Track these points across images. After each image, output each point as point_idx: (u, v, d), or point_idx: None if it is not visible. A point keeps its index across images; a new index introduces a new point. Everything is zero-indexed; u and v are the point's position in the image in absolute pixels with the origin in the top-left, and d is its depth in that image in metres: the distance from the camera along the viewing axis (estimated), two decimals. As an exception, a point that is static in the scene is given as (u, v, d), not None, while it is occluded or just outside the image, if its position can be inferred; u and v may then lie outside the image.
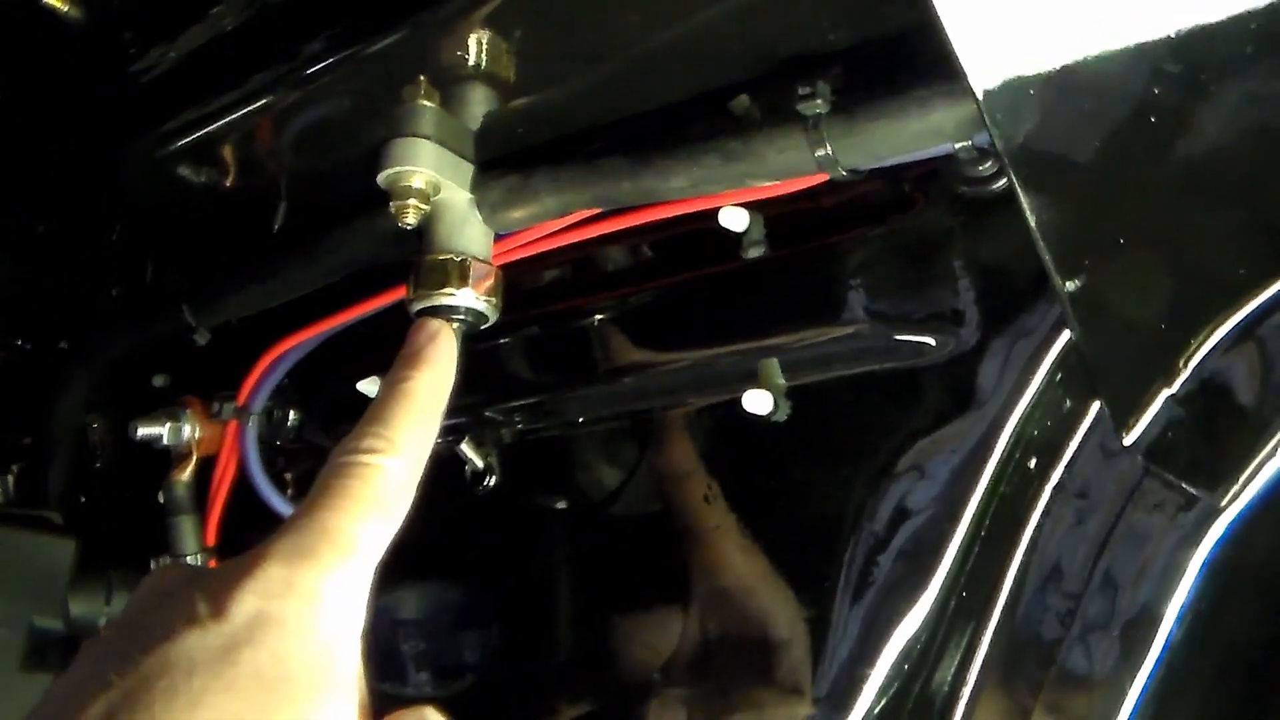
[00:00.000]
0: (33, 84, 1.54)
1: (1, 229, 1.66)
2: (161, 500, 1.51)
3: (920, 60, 0.87)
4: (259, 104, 1.21)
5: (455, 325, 1.07)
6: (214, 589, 0.76)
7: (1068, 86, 0.81)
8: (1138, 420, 0.93)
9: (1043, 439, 1.00)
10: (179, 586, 0.80)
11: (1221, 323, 0.95)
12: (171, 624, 0.75)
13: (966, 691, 1.01)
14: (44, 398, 1.73)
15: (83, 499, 1.78)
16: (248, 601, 0.75)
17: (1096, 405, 0.98)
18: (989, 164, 0.95)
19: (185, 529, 1.49)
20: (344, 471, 0.85)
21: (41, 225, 1.63)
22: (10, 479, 1.80)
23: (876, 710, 1.01)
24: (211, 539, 1.50)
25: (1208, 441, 0.96)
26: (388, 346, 1.42)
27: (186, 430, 1.50)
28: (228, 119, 1.24)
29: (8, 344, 1.85)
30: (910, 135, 0.89)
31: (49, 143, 1.55)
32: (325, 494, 0.83)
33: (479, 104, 1.11)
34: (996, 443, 0.99)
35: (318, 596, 0.77)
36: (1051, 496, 1.00)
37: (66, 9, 1.48)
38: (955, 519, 1.00)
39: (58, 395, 1.72)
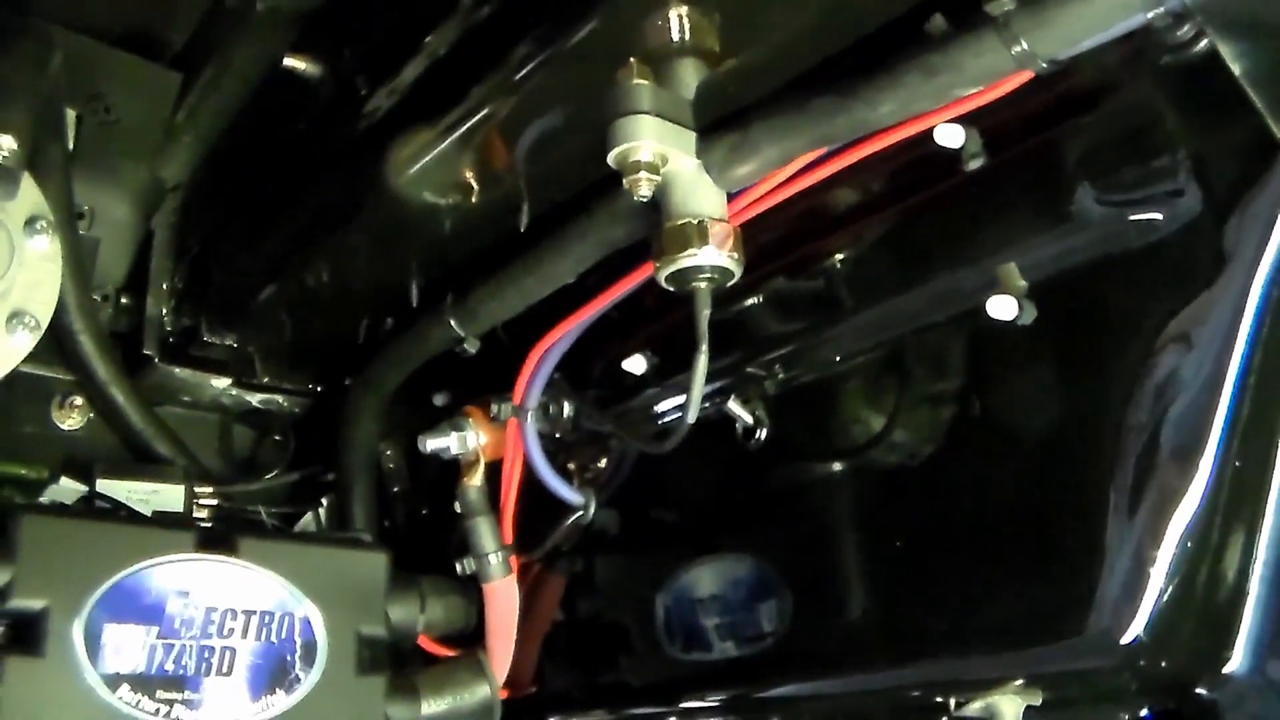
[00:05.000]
0: (289, 140, 1.67)
1: (283, 285, 1.80)
2: (457, 507, 1.60)
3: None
4: (481, 115, 1.29)
5: (703, 284, 1.13)
6: None
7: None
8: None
9: (1299, 295, 0.98)
10: None
11: None
12: None
13: (1256, 572, 1.00)
14: (339, 434, 1.85)
15: (385, 522, 1.91)
16: None
17: (1350, 249, 0.96)
18: (1186, 27, 0.95)
19: (483, 529, 1.57)
20: None
21: (310, 276, 1.74)
22: (321, 511, 1.95)
23: (1165, 596, 1.01)
24: (508, 537, 1.58)
25: None
26: (643, 324, 1.51)
27: (471, 437, 1.59)
28: (456, 135, 1.33)
29: (303, 389, 2.00)
30: (1101, 12, 0.90)
31: (309, 192, 1.67)
32: None
33: (691, 75, 1.16)
34: (1246, 306, 0.98)
35: None
36: (1319, 355, 0.98)
37: (305, 67, 1.61)
38: (1218, 389, 0.99)
39: (350, 430, 1.84)
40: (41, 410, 1.77)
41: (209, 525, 1.74)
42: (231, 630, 1.38)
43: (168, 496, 1.68)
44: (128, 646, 1.30)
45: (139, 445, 1.77)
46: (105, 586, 1.30)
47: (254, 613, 1.41)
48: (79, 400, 1.77)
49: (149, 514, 1.58)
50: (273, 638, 1.41)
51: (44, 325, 1.54)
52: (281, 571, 1.43)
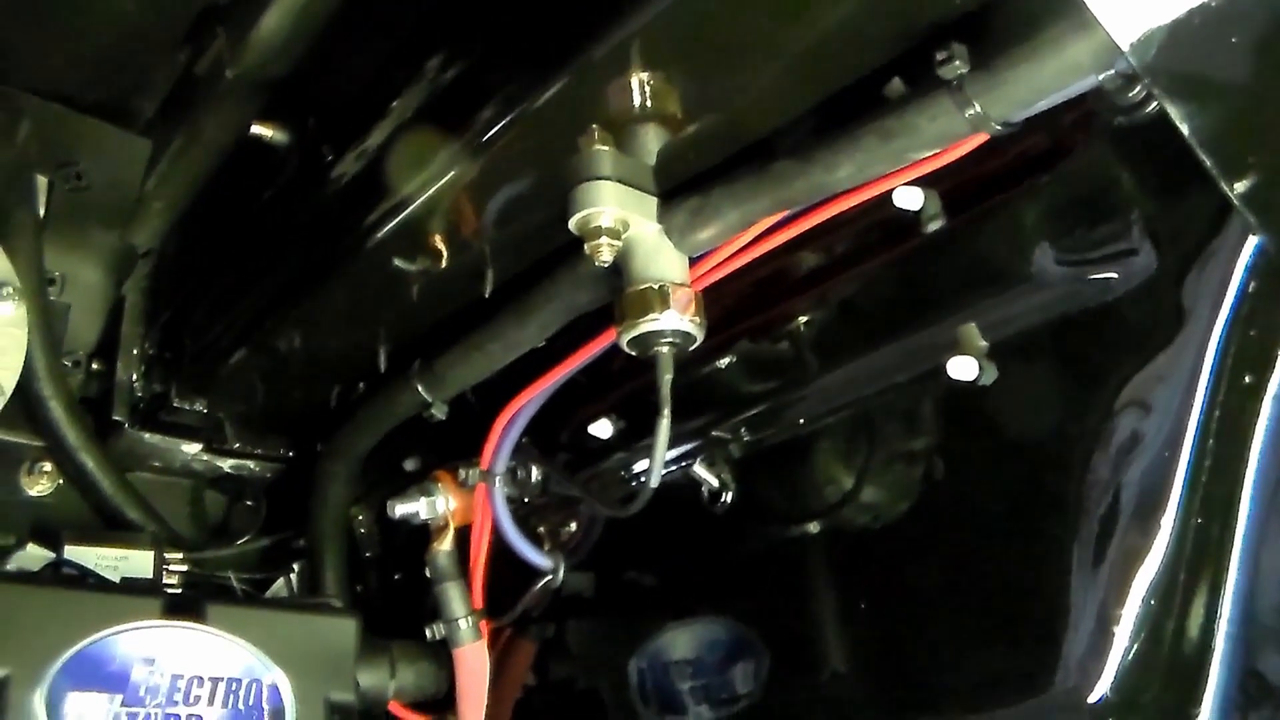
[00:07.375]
0: (259, 207, 1.68)
1: (253, 351, 1.80)
2: (427, 572, 1.59)
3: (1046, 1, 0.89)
4: (446, 179, 1.29)
5: (665, 348, 1.13)
6: None
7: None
8: (1345, 307, 0.92)
9: (1252, 351, 0.99)
10: None
11: None
12: None
13: (1221, 627, 1.00)
14: (310, 499, 1.85)
15: (357, 587, 1.90)
16: None
17: (1302, 306, 0.97)
18: (1137, 89, 0.97)
19: (453, 595, 1.57)
20: None
21: (280, 342, 1.74)
22: (292, 577, 1.94)
23: (1131, 654, 1.01)
24: (478, 602, 1.57)
25: None
26: (610, 388, 1.51)
27: (440, 502, 1.59)
28: (421, 200, 1.33)
29: (274, 454, 2.00)
30: (1051, 75, 0.91)
31: (279, 259, 1.67)
32: None
33: (653, 140, 1.17)
34: (1204, 363, 0.99)
35: None
36: (1273, 409, 0.99)
37: (273, 134, 1.62)
38: (1178, 446, 1.00)
39: (321, 495, 1.84)
40: (10, 476, 1.76)
41: (177, 591, 1.74)
42: (198, 698, 1.37)
43: (137, 563, 1.67)
44: (90, 715, 1.29)
45: (108, 511, 1.77)
46: (68, 654, 1.29)
47: (221, 680, 1.39)
48: (48, 466, 1.77)
49: (117, 581, 1.57)
50: (240, 705, 1.40)
51: (8, 391, 1.54)
52: (250, 638, 1.42)
